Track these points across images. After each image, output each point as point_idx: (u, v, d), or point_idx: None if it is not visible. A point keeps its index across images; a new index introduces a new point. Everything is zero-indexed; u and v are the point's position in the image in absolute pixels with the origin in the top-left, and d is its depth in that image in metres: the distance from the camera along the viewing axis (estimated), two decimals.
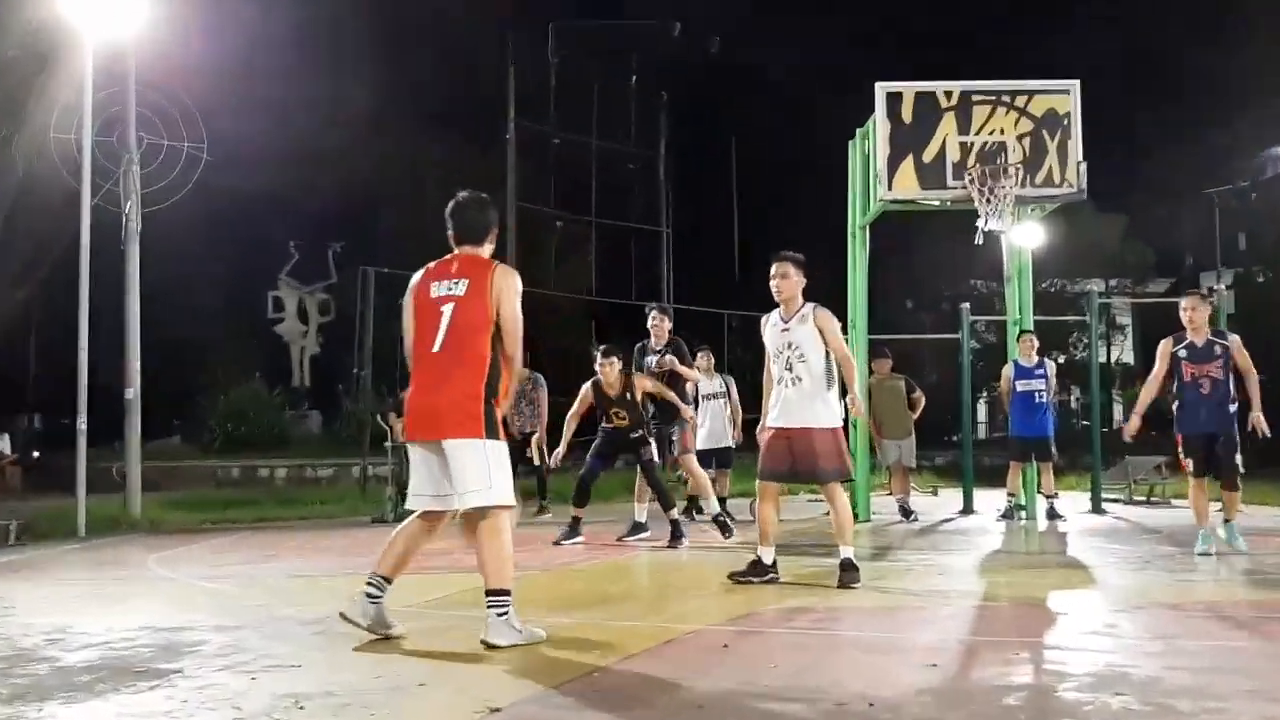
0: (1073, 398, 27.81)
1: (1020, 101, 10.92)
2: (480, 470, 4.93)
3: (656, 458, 9.86)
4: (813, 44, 34.77)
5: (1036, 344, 12.08)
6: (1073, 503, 13.28)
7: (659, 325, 10.37)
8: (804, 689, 4.07)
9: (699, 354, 12.44)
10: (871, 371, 12.41)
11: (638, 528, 9.91)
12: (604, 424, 9.87)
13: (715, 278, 29.66)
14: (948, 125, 10.85)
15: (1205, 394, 8.40)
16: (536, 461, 12.85)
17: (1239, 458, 8.35)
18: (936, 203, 11.19)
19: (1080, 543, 9.72)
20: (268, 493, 16.33)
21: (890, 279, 23.34)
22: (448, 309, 5.04)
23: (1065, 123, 10.90)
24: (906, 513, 12.04)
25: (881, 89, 10.94)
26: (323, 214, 27.84)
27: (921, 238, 28.55)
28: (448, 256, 5.25)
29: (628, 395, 9.70)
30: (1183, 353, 8.54)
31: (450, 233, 5.29)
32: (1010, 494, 12.07)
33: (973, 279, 32.70)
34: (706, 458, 12.17)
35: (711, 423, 12.01)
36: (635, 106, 25.50)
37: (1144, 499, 14.09)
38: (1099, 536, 10.17)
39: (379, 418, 14.20)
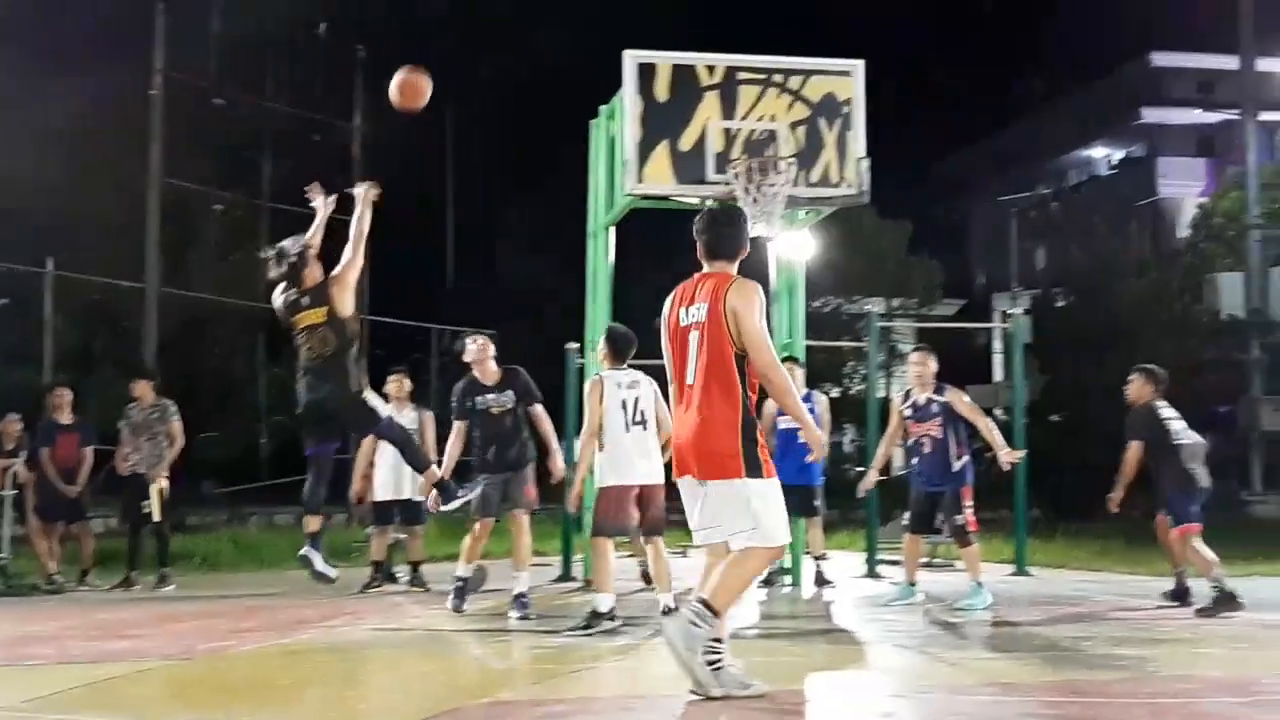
0: (846, 439, 29.04)
1: (794, 83, 11.17)
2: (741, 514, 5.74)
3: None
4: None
5: (801, 373, 12.44)
6: (845, 564, 13.78)
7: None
8: None
9: (390, 378, 12.29)
10: None
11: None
12: None
13: (422, 283, 29.37)
14: (710, 107, 10.99)
15: (927, 453, 10.18)
16: (155, 516, 12.31)
17: (964, 515, 10.03)
18: (695, 200, 11.20)
19: (853, 614, 10.04)
20: None
21: (638, 292, 23.61)
22: (694, 337, 5.87)
23: (846, 111, 11.22)
24: (649, 578, 12.17)
25: (631, 58, 10.95)
26: None
27: (677, 242, 29.13)
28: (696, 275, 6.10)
29: None
30: (908, 412, 10.35)
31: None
32: None
33: None
34: (389, 510, 12.05)
35: (397, 467, 11.72)
36: (324, 64, 24.97)
37: (925, 561, 14.80)
38: (874, 606, 10.54)
39: None
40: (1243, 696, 6.03)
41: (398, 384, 12.16)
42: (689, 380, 5.89)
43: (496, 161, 31.93)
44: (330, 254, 8.43)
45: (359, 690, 6.54)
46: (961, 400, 10.13)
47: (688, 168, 10.95)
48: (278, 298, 8.59)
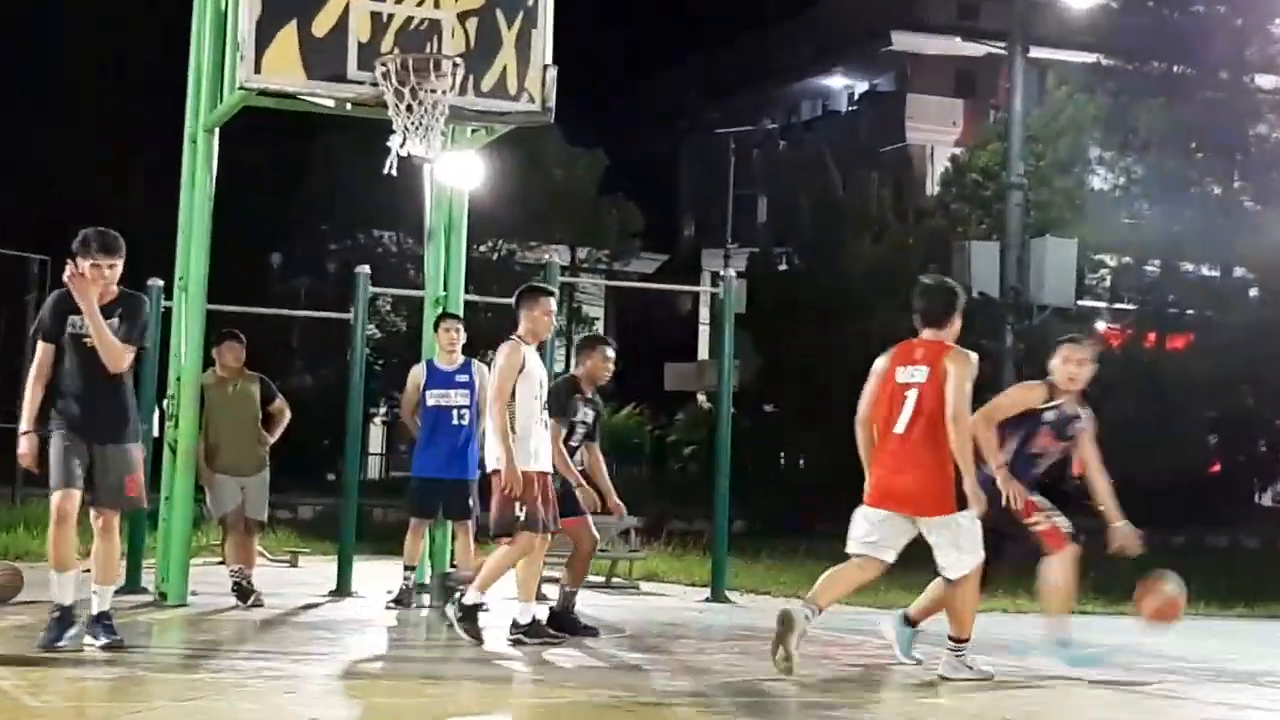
0: None
1: None
2: (955, 543, 8.24)
3: None
4: None
5: (463, 337, 12.34)
6: (506, 580, 13.77)
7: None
8: None
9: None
10: (211, 363, 12.17)
11: None
12: None
13: None
14: None
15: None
16: None
17: None
18: (329, 103, 11.31)
19: (507, 643, 9.88)
20: None
21: (246, 220, 23.13)
22: (912, 395, 8.21)
23: (531, 4, 11.32)
24: (246, 593, 11.87)
25: None
26: None
27: (305, 156, 28.71)
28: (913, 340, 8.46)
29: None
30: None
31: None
32: (408, 567, 12.30)
33: (378, 230, 33.47)
34: None
35: None
36: None
37: (603, 580, 14.89)
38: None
39: None
40: None
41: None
42: (897, 430, 8.22)
43: (70, 44, 31.08)
44: None
45: None
46: None
47: (322, 60, 10.85)
48: None
